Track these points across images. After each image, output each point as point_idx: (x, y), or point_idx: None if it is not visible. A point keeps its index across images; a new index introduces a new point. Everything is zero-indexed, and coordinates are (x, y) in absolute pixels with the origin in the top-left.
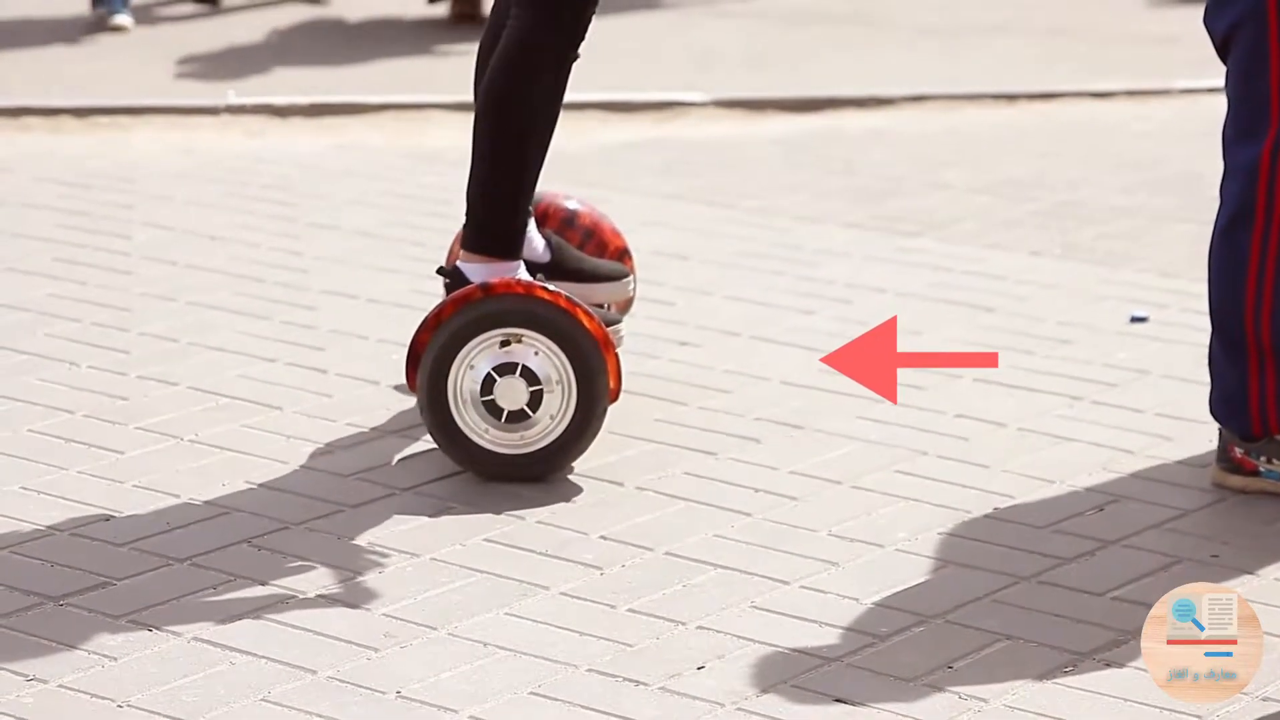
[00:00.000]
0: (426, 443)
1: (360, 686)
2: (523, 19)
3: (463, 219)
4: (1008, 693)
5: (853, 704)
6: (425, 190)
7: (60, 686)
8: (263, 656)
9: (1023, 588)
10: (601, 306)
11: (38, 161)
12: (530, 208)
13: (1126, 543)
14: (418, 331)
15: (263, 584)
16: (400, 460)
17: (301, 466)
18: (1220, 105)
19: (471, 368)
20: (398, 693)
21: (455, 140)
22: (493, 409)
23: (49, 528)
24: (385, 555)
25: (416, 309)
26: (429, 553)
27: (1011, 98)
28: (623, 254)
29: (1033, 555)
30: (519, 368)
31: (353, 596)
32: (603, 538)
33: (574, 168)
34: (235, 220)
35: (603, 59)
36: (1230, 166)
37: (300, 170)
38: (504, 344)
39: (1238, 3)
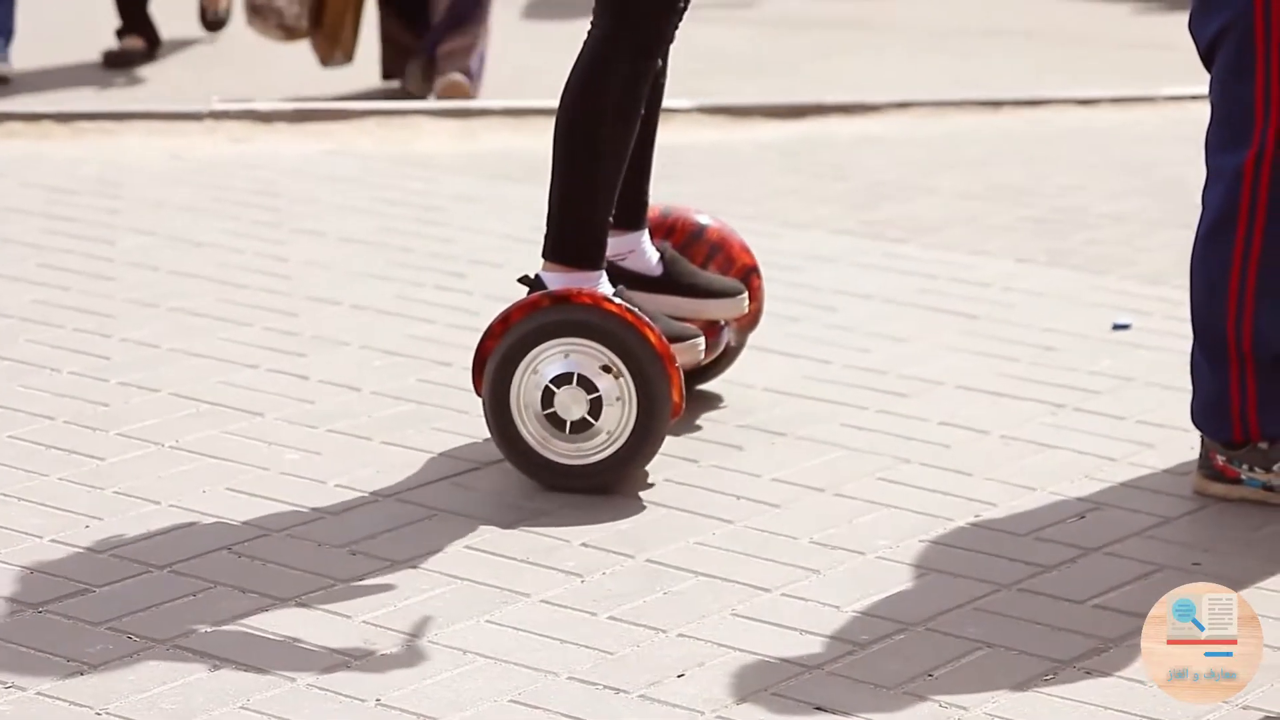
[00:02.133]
0: (409, 449)
1: (340, 694)
2: (600, 27)
3: (447, 225)
4: (988, 701)
5: (833, 712)
6: (411, 196)
7: (39, 694)
8: (242, 664)
9: (1004, 595)
10: (719, 323)
11: (23, 167)
12: (644, 218)
13: (1108, 550)
14: (483, 337)
15: (243, 591)
16: (382, 467)
17: (282, 473)
18: (1207, 112)
19: (535, 374)
20: (378, 700)
21: (442, 146)
22: (553, 419)
23: (29, 534)
24: (366, 562)
25: (400, 316)
26: (410, 560)
27: (999, 104)
28: (750, 271)
29: (1014, 563)
30: (576, 378)
31: (333, 603)
32: (584, 545)
33: None
34: (219, 226)
35: None
36: (1213, 173)
37: (285, 176)
38: (605, 368)
39: (1224, 9)
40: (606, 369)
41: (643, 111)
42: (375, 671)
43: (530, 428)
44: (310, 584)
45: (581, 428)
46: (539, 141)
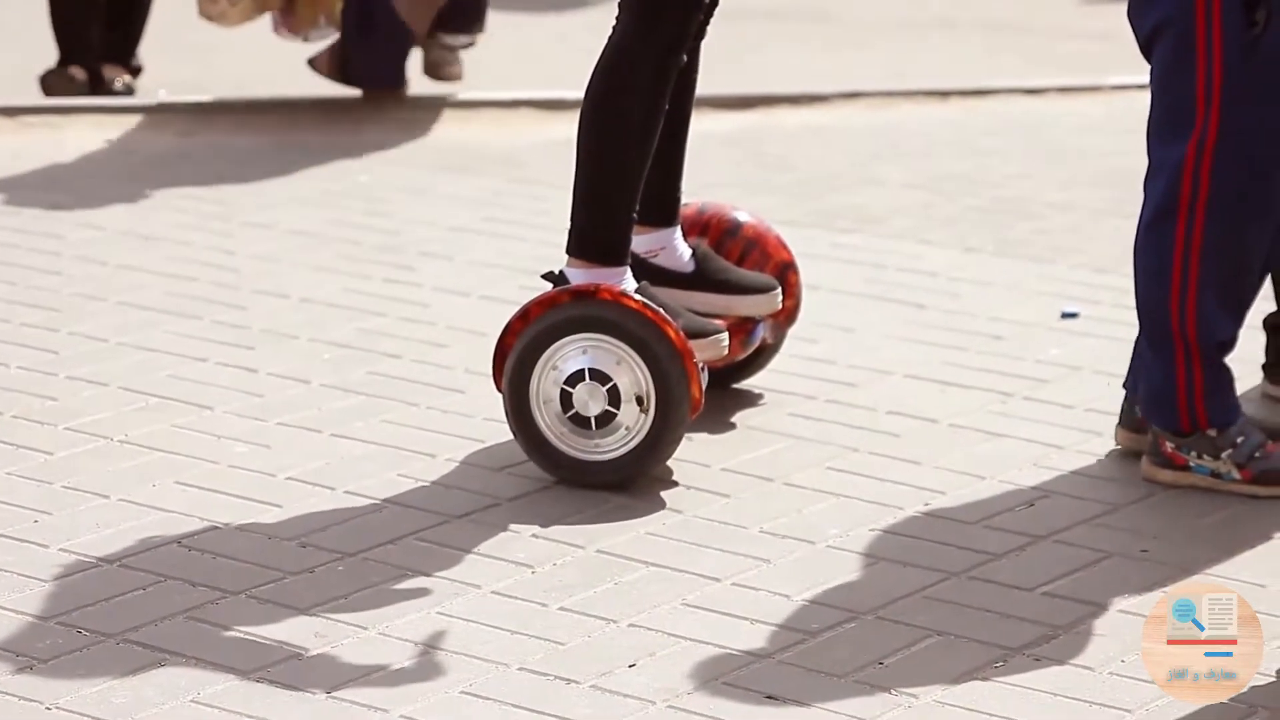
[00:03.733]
0: (359, 442)
1: (291, 687)
2: (623, 23)
3: (394, 217)
4: (939, 688)
5: (784, 701)
6: (359, 189)
7: None
8: (193, 657)
9: (954, 583)
10: (753, 320)
11: None
12: (676, 215)
13: (1057, 538)
14: (503, 334)
15: (193, 584)
16: (331, 460)
17: (232, 466)
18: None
19: (554, 370)
20: (328, 693)
21: (388, 138)
22: (572, 415)
23: None
24: (316, 554)
25: (349, 309)
26: (360, 552)
27: (946, 94)
28: (786, 268)
29: (964, 551)
30: (593, 373)
31: (283, 596)
32: (534, 536)
33: (512, 165)
34: (167, 219)
35: (539, 57)
36: (1155, 163)
37: (232, 168)
38: (619, 363)
39: (1161, 4)
40: (619, 362)
41: (669, 108)
42: (326, 664)
43: (549, 423)
44: (261, 577)
45: (601, 423)
46: (486, 133)
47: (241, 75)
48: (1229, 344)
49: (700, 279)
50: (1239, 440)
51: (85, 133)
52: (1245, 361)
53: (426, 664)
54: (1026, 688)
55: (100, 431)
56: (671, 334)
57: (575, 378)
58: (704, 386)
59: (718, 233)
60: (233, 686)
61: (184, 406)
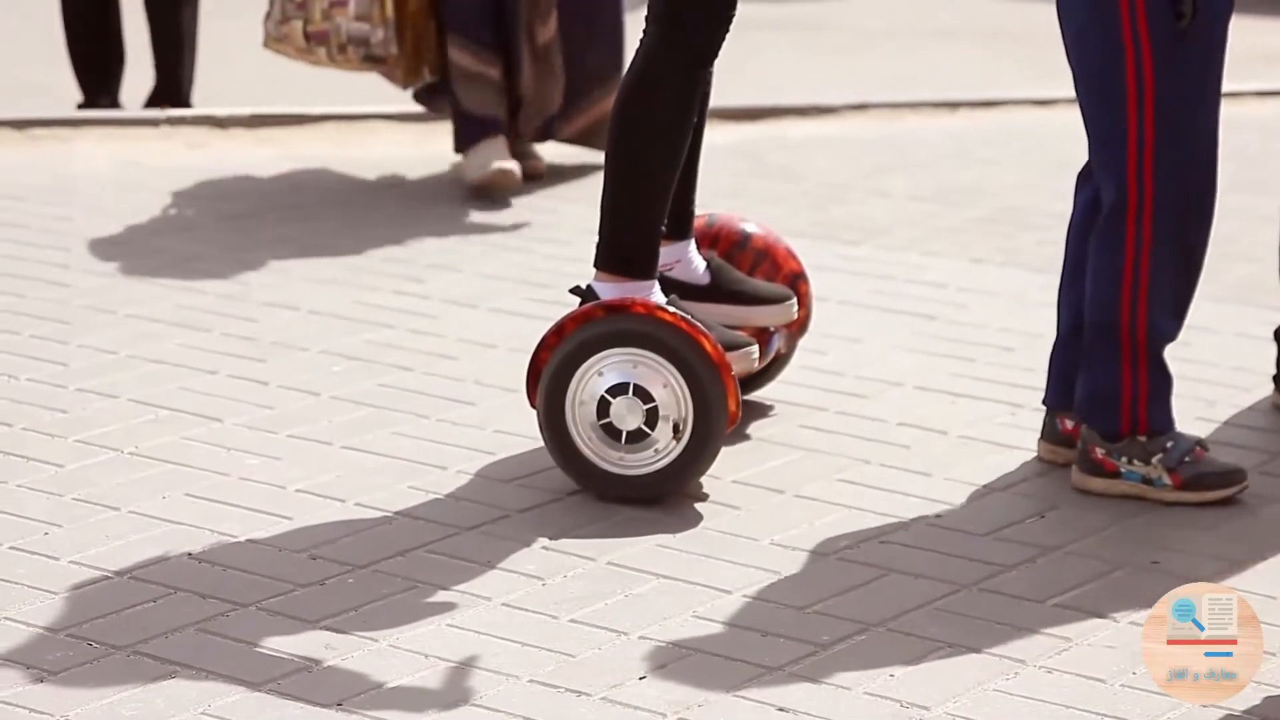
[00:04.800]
0: (369, 454)
1: (301, 699)
2: (652, 35)
3: (404, 229)
4: (950, 701)
5: (795, 713)
6: (368, 200)
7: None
8: (203, 669)
9: (964, 595)
10: (768, 330)
11: None
12: (691, 228)
13: (1067, 550)
14: (537, 349)
15: (203, 597)
16: (341, 472)
17: (242, 478)
18: None
19: (593, 380)
20: (338, 705)
21: (398, 151)
22: (609, 429)
23: None
24: (326, 567)
25: (358, 321)
26: (370, 564)
27: (953, 105)
28: (796, 278)
29: (974, 563)
30: (637, 389)
31: (293, 608)
32: (544, 548)
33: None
34: (174, 232)
35: None
36: (1098, 163)
37: (242, 181)
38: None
39: (1083, 7)
40: (660, 379)
41: None
42: (336, 676)
43: (586, 438)
44: (271, 589)
45: (637, 438)
46: None
47: (250, 88)
48: (1171, 341)
49: (716, 291)
50: (1169, 445)
51: (93, 145)
52: (1255, 373)
53: (437, 676)
54: (1038, 700)
55: (110, 444)
56: (708, 347)
57: (613, 392)
58: (740, 399)
59: (727, 245)
60: (243, 699)
61: (194, 418)
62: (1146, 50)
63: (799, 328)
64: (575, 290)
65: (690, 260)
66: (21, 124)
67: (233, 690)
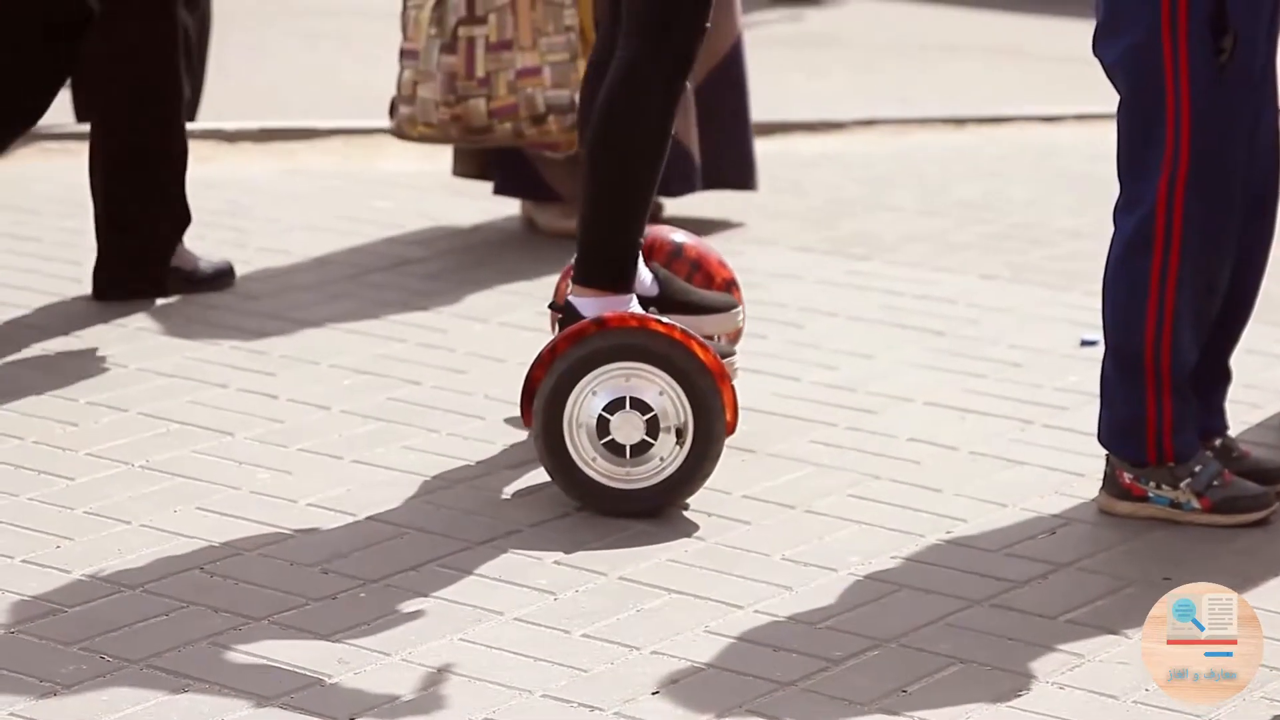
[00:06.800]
0: (380, 468)
1: (313, 713)
2: (631, 47)
3: (412, 244)
4: (962, 717)
5: None
6: (376, 215)
7: (11, 715)
8: (215, 683)
9: (976, 611)
10: (711, 338)
11: None
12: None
13: (1079, 565)
14: (532, 368)
15: (215, 610)
16: (353, 486)
17: (253, 492)
18: None
19: (590, 399)
20: (350, 719)
21: (406, 165)
22: (609, 444)
23: None
24: (338, 581)
25: (367, 334)
26: (382, 578)
27: (961, 121)
28: (730, 285)
29: (985, 579)
30: (633, 402)
31: (305, 622)
32: (556, 563)
33: None
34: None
35: None
36: (1130, 196)
37: (250, 195)
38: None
39: (1127, 32)
40: (661, 393)
41: None
42: (348, 690)
43: (585, 455)
44: (282, 603)
45: (637, 452)
46: None
47: (259, 102)
48: (1191, 368)
49: (665, 301)
50: (1197, 469)
51: None
52: (1265, 389)
53: (449, 691)
54: (1050, 716)
55: (121, 457)
56: (704, 356)
57: (611, 408)
58: (738, 406)
59: (662, 255)
60: (255, 713)
61: (205, 432)
62: (1184, 81)
63: (736, 335)
64: (553, 307)
65: (639, 272)
66: (32, 137)
67: (244, 704)
